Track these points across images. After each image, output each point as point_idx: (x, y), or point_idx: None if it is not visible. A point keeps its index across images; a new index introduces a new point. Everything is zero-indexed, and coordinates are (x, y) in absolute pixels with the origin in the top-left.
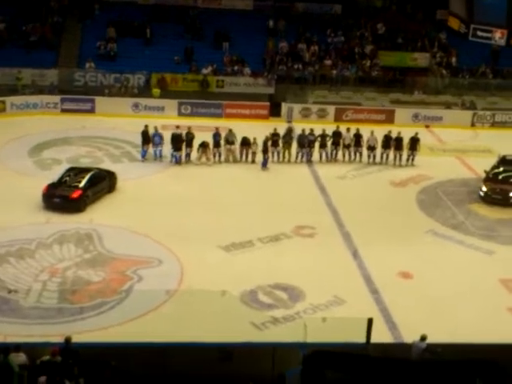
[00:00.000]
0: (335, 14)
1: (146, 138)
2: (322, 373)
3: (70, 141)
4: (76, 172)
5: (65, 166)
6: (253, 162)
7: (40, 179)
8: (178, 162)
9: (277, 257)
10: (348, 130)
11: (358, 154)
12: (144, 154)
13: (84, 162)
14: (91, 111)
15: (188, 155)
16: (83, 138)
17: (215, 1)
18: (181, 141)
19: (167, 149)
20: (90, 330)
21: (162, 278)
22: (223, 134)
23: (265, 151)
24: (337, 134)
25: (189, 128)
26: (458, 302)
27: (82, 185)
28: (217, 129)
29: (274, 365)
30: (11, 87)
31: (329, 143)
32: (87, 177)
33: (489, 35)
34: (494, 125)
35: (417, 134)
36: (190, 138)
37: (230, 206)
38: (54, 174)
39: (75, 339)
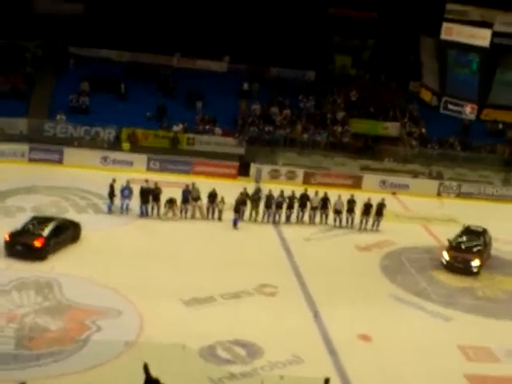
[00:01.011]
0: (308, 80)
1: (113, 192)
2: None
3: (36, 189)
4: (40, 221)
5: (29, 215)
6: (219, 219)
7: (2, 226)
8: (144, 215)
9: (237, 313)
10: (316, 193)
11: (324, 217)
12: (110, 207)
13: (49, 212)
14: (59, 162)
15: (154, 209)
16: (50, 188)
17: (190, 61)
18: (149, 194)
19: (135, 203)
20: (47, 377)
21: (121, 329)
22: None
23: (237, 210)
24: (304, 197)
25: (155, 183)
26: (416, 367)
27: (45, 233)
28: (187, 186)
29: None
30: None
31: (296, 205)
32: (51, 226)
33: (460, 109)
34: (460, 195)
35: (383, 199)
36: (156, 193)
37: (194, 262)
38: (18, 222)
39: None
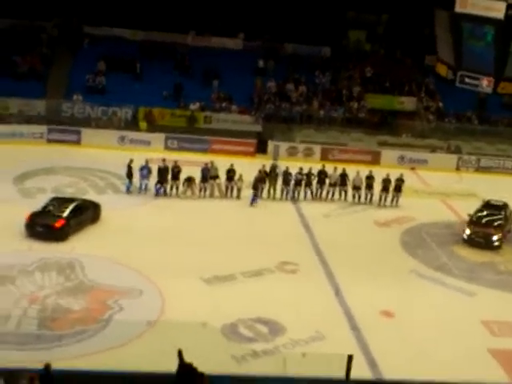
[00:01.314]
0: (324, 56)
1: (131, 172)
2: None
3: (55, 170)
4: (60, 202)
5: (49, 196)
6: (238, 197)
7: (23, 207)
8: (161, 194)
9: (259, 291)
10: (335, 169)
11: (343, 193)
12: (129, 187)
13: (68, 192)
14: (77, 142)
15: (174, 188)
16: (68, 169)
17: (205, 39)
18: (166, 174)
19: (153, 182)
20: (70, 358)
21: (143, 309)
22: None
23: (255, 188)
24: (322, 173)
25: (175, 162)
26: (439, 343)
27: (65, 214)
28: (206, 164)
29: None
30: None
31: (314, 182)
32: (71, 207)
33: (476, 82)
34: (479, 169)
35: (401, 175)
36: (176, 171)
37: (214, 240)
38: (38, 203)
39: (55, 366)
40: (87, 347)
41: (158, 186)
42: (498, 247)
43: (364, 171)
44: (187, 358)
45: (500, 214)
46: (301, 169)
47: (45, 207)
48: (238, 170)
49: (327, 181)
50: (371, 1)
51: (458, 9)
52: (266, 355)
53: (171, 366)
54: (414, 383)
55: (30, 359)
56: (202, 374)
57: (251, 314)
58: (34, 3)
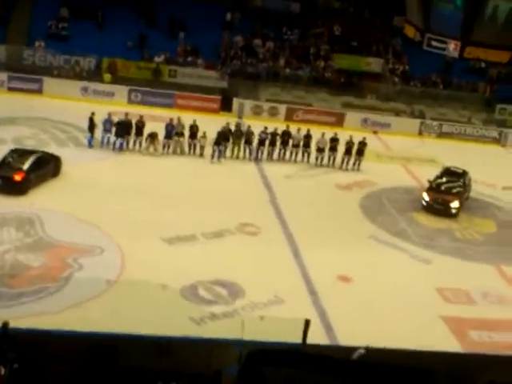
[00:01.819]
0: (293, 12)
1: (93, 125)
2: (260, 372)
3: (16, 121)
4: (20, 153)
5: (9, 146)
6: (201, 155)
7: None
8: (120, 148)
9: (219, 253)
10: (298, 130)
11: (306, 155)
12: (90, 141)
13: (29, 144)
14: (39, 91)
15: (136, 143)
16: (29, 119)
17: None
18: (129, 129)
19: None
20: (29, 315)
21: (103, 267)
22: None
23: (217, 144)
24: (286, 134)
25: (140, 116)
26: (394, 308)
27: (25, 167)
28: (171, 120)
29: (211, 361)
30: None
31: (278, 142)
32: (31, 159)
33: (443, 46)
34: (441, 135)
35: (364, 138)
36: (140, 126)
37: (176, 199)
38: None
39: (13, 324)
40: (46, 305)
41: (118, 139)
42: (456, 215)
43: (328, 133)
44: (145, 319)
45: (459, 182)
46: (265, 128)
47: (4, 159)
48: (202, 127)
49: (290, 142)
50: None
51: None
52: (224, 317)
53: (129, 326)
54: (368, 348)
55: None
56: None
57: (211, 275)
58: None
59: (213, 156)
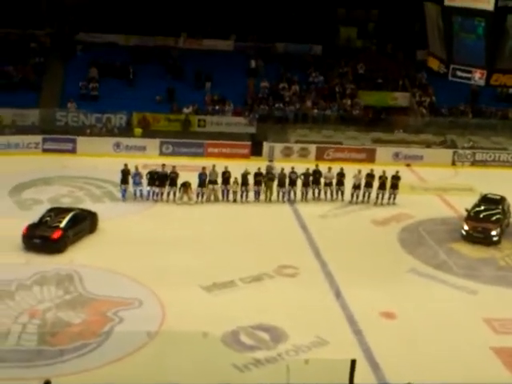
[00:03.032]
0: (315, 54)
1: (126, 177)
2: None
3: (51, 181)
4: (57, 212)
5: (46, 206)
6: (234, 201)
7: (20, 219)
8: (154, 198)
9: (259, 297)
10: (329, 169)
11: (339, 193)
12: (124, 194)
13: (65, 202)
14: (72, 151)
15: (170, 194)
16: (64, 178)
17: (196, 41)
18: (164, 179)
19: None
20: (71, 373)
21: (143, 320)
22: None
23: (244, 184)
24: (317, 173)
25: (173, 167)
26: (442, 342)
27: (62, 225)
28: (203, 168)
29: None
30: None
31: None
32: (68, 217)
33: (468, 75)
34: (475, 163)
35: (397, 172)
36: (173, 176)
37: (212, 246)
38: (35, 215)
39: (55, 382)
40: (88, 362)
41: (152, 189)
42: (497, 242)
43: (364, 169)
44: (188, 369)
45: (497, 208)
46: (292, 168)
47: (42, 218)
48: (234, 173)
49: (322, 180)
50: None
51: (448, 2)
52: (268, 363)
53: (172, 378)
54: None
55: (31, 376)
56: None
57: (252, 320)
58: (26, 12)
59: (241, 196)
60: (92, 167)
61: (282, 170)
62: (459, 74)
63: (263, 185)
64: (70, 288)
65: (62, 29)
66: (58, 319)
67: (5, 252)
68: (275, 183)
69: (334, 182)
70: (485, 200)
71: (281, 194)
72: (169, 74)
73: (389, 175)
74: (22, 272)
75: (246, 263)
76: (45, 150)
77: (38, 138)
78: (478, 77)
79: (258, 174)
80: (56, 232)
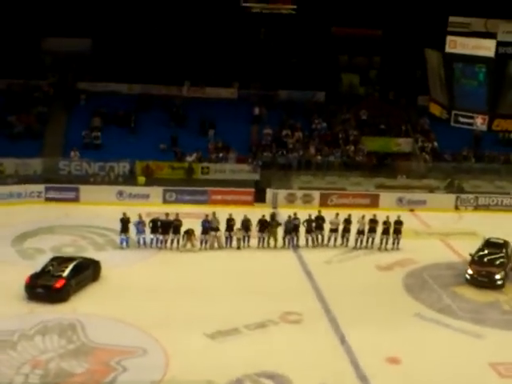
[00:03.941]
0: (318, 101)
1: (125, 226)
2: None
3: (54, 230)
4: (60, 261)
5: (48, 256)
6: (238, 248)
7: (23, 269)
8: (157, 244)
9: (263, 344)
10: (337, 215)
11: (344, 240)
12: (122, 242)
13: (68, 251)
14: (75, 200)
15: (174, 241)
16: (67, 227)
17: (200, 90)
18: (168, 228)
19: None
20: None
21: (147, 368)
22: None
23: (246, 229)
24: (320, 219)
25: (176, 215)
26: None
27: (65, 274)
28: (206, 216)
29: None
30: None
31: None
32: (71, 266)
33: (470, 121)
34: (478, 208)
35: (399, 217)
36: (176, 225)
37: (216, 293)
38: (37, 264)
39: None
40: None
41: (152, 236)
42: (502, 286)
43: (367, 215)
44: None
45: (501, 252)
46: (295, 213)
47: (44, 268)
48: (238, 220)
49: (324, 226)
50: (363, 44)
51: (449, 49)
52: None
53: None
54: None
55: None
56: None
57: (257, 368)
58: (29, 62)
59: (243, 241)
60: (96, 216)
61: (289, 217)
62: (461, 119)
63: (266, 231)
64: (72, 337)
65: (65, 78)
66: (60, 369)
67: (7, 301)
68: (280, 230)
69: (341, 228)
70: (488, 244)
71: (286, 240)
72: (172, 122)
73: (392, 220)
74: (25, 322)
75: (250, 310)
76: (47, 199)
77: (41, 187)
78: (479, 122)
79: (262, 221)
80: (59, 281)
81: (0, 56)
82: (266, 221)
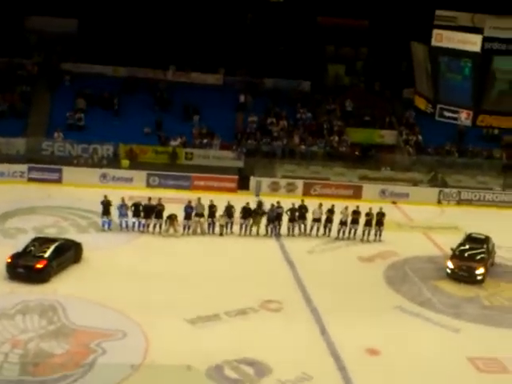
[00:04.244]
0: (303, 90)
1: (107, 209)
2: None
3: (36, 210)
4: (41, 242)
5: (30, 236)
6: (220, 234)
7: (4, 248)
8: (139, 228)
9: (243, 331)
10: (320, 205)
11: (327, 230)
12: (104, 224)
13: (50, 232)
14: (58, 181)
15: (156, 226)
16: (49, 208)
17: (186, 74)
18: (151, 212)
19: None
20: None
21: (127, 352)
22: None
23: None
24: (303, 208)
25: (159, 200)
26: (426, 380)
27: (47, 255)
28: (189, 202)
29: None
30: None
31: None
32: (52, 247)
33: (455, 115)
34: (460, 202)
35: (381, 208)
36: (159, 209)
37: (197, 278)
38: (19, 244)
39: None
40: None
41: (137, 220)
42: (482, 281)
43: (350, 206)
44: None
45: (482, 248)
46: (278, 202)
47: (26, 248)
48: (220, 207)
49: (307, 215)
50: (349, 35)
51: (435, 42)
52: None
53: None
54: None
55: None
56: None
57: (236, 354)
58: (13, 41)
59: (226, 228)
60: (79, 198)
61: (272, 206)
62: (446, 114)
63: (251, 219)
64: (53, 318)
65: (50, 58)
66: (40, 350)
67: None
68: (264, 219)
69: (323, 218)
70: (470, 239)
71: (269, 229)
72: (157, 106)
73: (374, 212)
74: (6, 301)
75: (231, 297)
76: (30, 179)
77: (24, 167)
78: (464, 117)
79: (246, 209)
80: (40, 262)
81: None
82: (250, 208)
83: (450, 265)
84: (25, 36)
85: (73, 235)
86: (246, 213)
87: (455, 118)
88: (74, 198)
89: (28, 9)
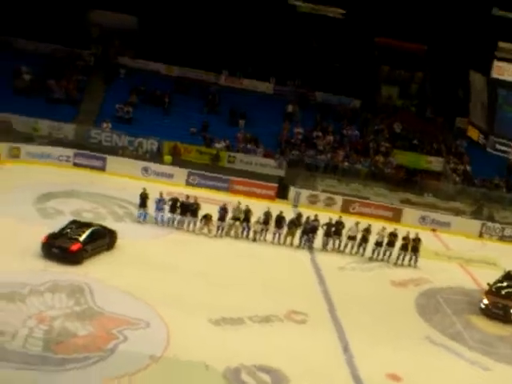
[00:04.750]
0: (353, 107)
1: (144, 201)
2: None
3: (77, 194)
4: (78, 225)
5: (67, 218)
6: (254, 240)
7: (42, 227)
8: (173, 224)
9: (265, 338)
10: (357, 223)
11: (361, 249)
12: (140, 216)
13: (87, 217)
14: (102, 169)
15: (191, 224)
16: (90, 194)
17: (237, 80)
18: (187, 210)
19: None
20: None
21: (148, 342)
22: (230, 209)
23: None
24: (339, 224)
25: (195, 198)
26: None
27: (82, 239)
28: (224, 204)
29: None
30: (28, 135)
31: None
32: (88, 231)
33: (507, 149)
34: (503, 239)
35: (417, 234)
36: (194, 208)
37: (226, 281)
38: (55, 224)
39: None
40: (88, 375)
41: (170, 215)
42: None
43: (387, 228)
44: None
45: None
46: (316, 216)
47: (62, 229)
48: (256, 213)
49: (343, 232)
50: (406, 58)
51: (495, 74)
52: None
53: None
54: None
55: (29, 379)
56: None
57: (255, 360)
58: (74, 31)
59: (261, 234)
60: (119, 187)
61: (308, 218)
62: (498, 146)
63: (286, 229)
64: (80, 300)
65: (108, 51)
66: (64, 328)
67: (23, 257)
68: (299, 230)
69: (359, 236)
70: (508, 277)
71: (303, 240)
72: (206, 108)
73: (411, 237)
74: (37, 278)
75: (257, 303)
76: (75, 164)
77: (70, 152)
78: None
79: (279, 217)
80: (75, 244)
81: (46, 22)
82: (283, 217)
83: (485, 300)
84: (87, 28)
85: (109, 223)
86: (279, 222)
87: (507, 152)
88: (115, 187)
89: (92, 2)
